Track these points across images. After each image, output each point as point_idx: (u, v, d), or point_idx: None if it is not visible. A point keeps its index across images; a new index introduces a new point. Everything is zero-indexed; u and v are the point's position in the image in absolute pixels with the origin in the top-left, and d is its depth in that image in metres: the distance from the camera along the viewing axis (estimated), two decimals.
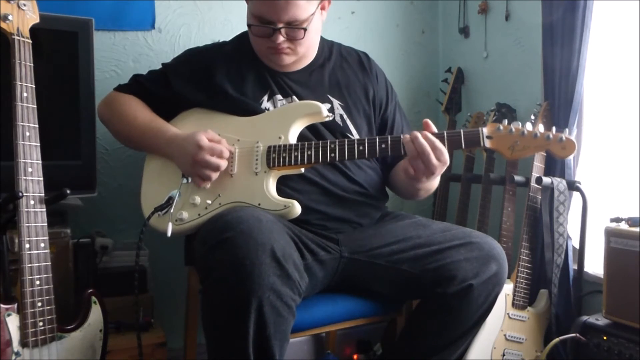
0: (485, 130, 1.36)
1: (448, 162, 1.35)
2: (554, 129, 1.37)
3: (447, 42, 2.57)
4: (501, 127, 1.36)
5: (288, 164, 1.40)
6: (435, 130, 1.38)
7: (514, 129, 1.36)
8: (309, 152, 1.40)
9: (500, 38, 2.28)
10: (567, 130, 1.38)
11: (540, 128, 1.37)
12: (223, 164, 1.40)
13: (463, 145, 1.37)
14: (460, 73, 2.39)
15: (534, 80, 2.12)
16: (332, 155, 1.39)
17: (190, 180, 1.44)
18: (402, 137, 1.37)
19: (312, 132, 1.50)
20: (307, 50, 1.55)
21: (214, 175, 1.40)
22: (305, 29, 1.44)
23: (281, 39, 1.44)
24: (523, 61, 2.18)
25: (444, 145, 1.35)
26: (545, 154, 1.89)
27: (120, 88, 1.62)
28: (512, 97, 2.21)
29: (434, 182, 1.50)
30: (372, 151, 1.39)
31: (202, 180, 1.41)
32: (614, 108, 1.96)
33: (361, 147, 1.39)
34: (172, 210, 1.41)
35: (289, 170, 1.42)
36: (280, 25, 1.42)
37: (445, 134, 1.36)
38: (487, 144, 1.36)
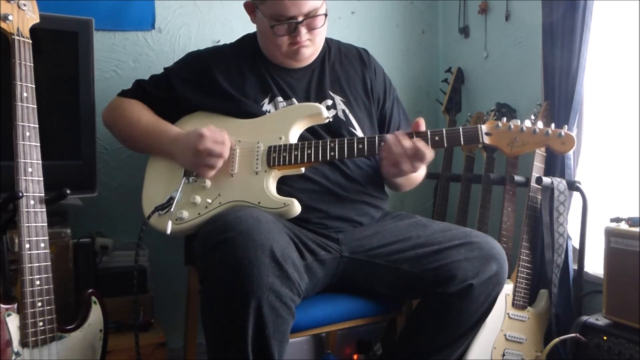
0: (484, 127, 1.37)
1: (425, 164, 1.40)
2: (552, 125, 1.37)
3: (447, 42, 2.57)
4: (500, 124, 1.37)
5: (288, 163, 1.40)
6: (422, 128, 1.38)
7: (512, 126, 1.36)
8: (309, 151, 1.40)
9: (500, 38, 2.28)
10: (566, 126, 1.37)
11: (539, 124, 1.37)
12: (226, 151, 1.40)
13: (462, 142, 1.37)
14: (460, 73, 2.39)
15: (534, 80, 2.12)
16: (332, 153, 1.40)
17: (191, 180, 1.44)
18: (388, 135, 1.38)
19: (315, 132, 1.50)
20: (322, 41, 1.57)
21: (219, 163, 1.40)
22: (325, 15, 1.49)
23: (304, 31, 1.48)
24: (523, 61, 2.18)
25: (444, 141, 1.36)
26: (545, 154, 1.89)
27: (124, 93, 1.63)
28: (512, 97, 2.21)
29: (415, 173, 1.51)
30: (371, 149, 1.40)
31: (207, 169, 1.40)
32: (614, 108, 1.96)
33: (360, 145, 1.39)
34: (172, 210, 1.41)
35: (290, 169, 1.42)
36: (301, 18, 1.46)
37: (444, 131, 1.36)
38: (486, 140, 1.36)
